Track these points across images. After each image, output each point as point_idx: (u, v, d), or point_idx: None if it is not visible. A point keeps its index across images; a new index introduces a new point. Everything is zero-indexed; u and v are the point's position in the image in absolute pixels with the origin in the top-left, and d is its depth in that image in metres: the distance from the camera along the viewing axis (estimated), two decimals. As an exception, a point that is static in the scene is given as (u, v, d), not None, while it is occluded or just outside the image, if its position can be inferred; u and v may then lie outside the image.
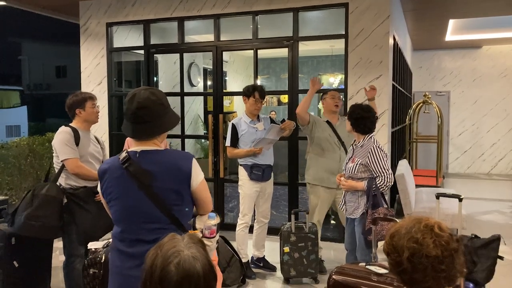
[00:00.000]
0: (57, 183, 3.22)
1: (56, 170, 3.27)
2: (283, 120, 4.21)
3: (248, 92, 4.10)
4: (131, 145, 4.49)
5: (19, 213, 3.13)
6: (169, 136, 5.82)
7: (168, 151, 2.03)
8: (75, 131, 3.23)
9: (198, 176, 1.93)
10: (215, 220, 1.97)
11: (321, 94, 4.43)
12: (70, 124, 3.31)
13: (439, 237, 1.38)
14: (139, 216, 1.88)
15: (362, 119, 3.38)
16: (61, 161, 3.18)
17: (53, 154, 3.28)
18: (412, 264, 1.38)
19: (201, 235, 1.93)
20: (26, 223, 3.07)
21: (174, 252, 1.20)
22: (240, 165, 4.16)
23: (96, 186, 3.30)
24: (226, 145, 4.24)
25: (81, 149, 3.24)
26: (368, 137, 3.41)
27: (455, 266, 1.38)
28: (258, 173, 4.06)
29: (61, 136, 3.20)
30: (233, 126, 4.13)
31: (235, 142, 4.12)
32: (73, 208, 3.21)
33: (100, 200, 3.29)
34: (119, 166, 1.90)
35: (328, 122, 4.16)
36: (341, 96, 4.26)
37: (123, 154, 1.92)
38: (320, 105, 10.84)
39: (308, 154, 4.30)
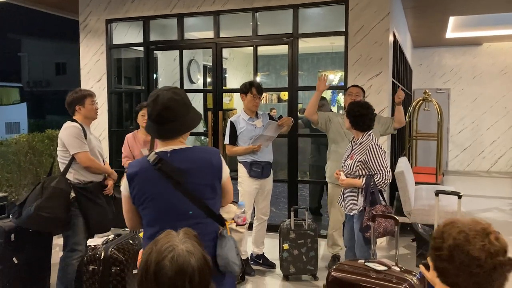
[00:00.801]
0: (65, 177, 3.27)
1: (61, 165, 3.31)
2: (281, 117, 4.19)
3: (246, 89, 4.09)
4: (132, 144, 4.49)
5: (28, 205, 3.17)
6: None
7: (196, 148, 2.08)
8: (81, 126, 3.31)
9: (226, 170, 2.02)
10: (244, 207, 2.14)
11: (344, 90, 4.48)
12: (75, 119, 3.36)
13: (490, 244, 1.35)
14: (177, 214, 1.91)
15: (361, 116, 3.37)
16: (72, 154, 3.24)
17: (59, 149, 3.32)
18: (451, 254, 1.37)
19: (235, 224, 2.04)
20: (36, 214, 3.10)
21: (168, 247, 1.21)
22: (240, 162, 4.15)
23: (103, 180, 3.42)
24: (224, 143, 4.23)
25: (88, 144, 3.32)
26: (367, 135, 3.41)
27: (492, 279, 1.34)
28: (258, 170, 4.06)
29: (71, 130, 3.26)
30: (232, 124, 4.11)
31: (233, 139, 4.11)
32: (83, 202, 3.27)
33: (108, 194, 3.39)
34: (150, 168, 1.91)
35: None
36: (360, 92, 4.17)
37: (153, 155, 1.93)
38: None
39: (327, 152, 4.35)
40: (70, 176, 3.28)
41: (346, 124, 3.50)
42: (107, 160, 3.77)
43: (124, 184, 1.98)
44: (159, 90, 1.97)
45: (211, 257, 1.94)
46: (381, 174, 3.29)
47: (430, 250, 1.45)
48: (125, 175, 4.43)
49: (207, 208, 1.94)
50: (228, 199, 2.09)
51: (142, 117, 4.21)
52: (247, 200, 4.13)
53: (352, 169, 3.38)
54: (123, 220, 4.28)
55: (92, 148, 3.36)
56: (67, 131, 3.26)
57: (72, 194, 3.24)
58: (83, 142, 3.26)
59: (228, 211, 2.06)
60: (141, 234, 3.02)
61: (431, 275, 1.72)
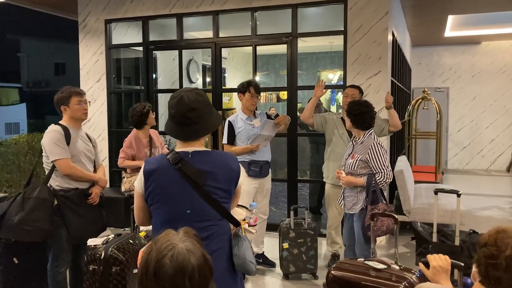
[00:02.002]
0: (48, 185, 3.12)
1: (46, 171, 3.16)
2: (277, 115, 4.19)
3: (243, 88, 4.08)
4: (139, 145, 4.46)
5: (9, 218, 3.01)
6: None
7: (216, 152, 2.09)
8: (65, 130, 3.12)
9: (242, 176, 2.06)
10: (256, 208, 2.22)
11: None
12: (60, 122, 3.19)
13: None
14: (192, 215, 1.90)
15: (362, 114, 3.37)
16: (52, 161, 3.07)
17: (43, 154, 3.16)
18: (508, 265, 1.38)
19: (247, 225, 2.08)
20: (19, 228, 2.96)
21: (168, 245, 1.22)
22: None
23: (88, 188, 3.25)
24: (223, 142, 4.23)
25: (72, 149, 3.13)
26: (368, 134, 3.41)
27: None
28: (256, 170, 4.06)
29: (51, 135, 3.08)
30: (230, 124, 4.10)
31: (232, 139, 4.10)
32: (64, 211, 3.11)
33: (92, 203, 3.23)
34: (169, 167, 1.90)
35: (342, 119, 4.12)
36: (356, 92, 4.12)
37: (173, 155, 1.92)
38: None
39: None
40: (53, 183, 3.12)
41: (347, 123, 3.50)
42: (106, 162, 3.67)
43: (138, 180, 1.96)
44: (181, 91, 1.95)
45: (227, 257, 1.95)
46: (383, 173, 3.30)
47: (478, 256, 1.45)
48: (129, 181, 4.38)
49: (224, 210, 1.95)
50: (236, 202, 2.13)
51: (153, 117, 4.32)
52: (246, 200, 4.12)
53: (354, 168, 3.39)
54: (121, 220, 4.25)
55: (76, 153, 3.16)
56: (47, 136, 3.09)
57: (55, 202, 3.09)
58: (63, 148, 3.07)
59: (236, 214, 2.09)
60: (141, 234, 3.03)
61: (431, 273, 1.73)
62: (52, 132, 3.10)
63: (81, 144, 3.23)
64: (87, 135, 3.37)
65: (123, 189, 4.25)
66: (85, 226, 3.18)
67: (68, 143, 3.10)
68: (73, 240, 3.16)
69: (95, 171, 3.37)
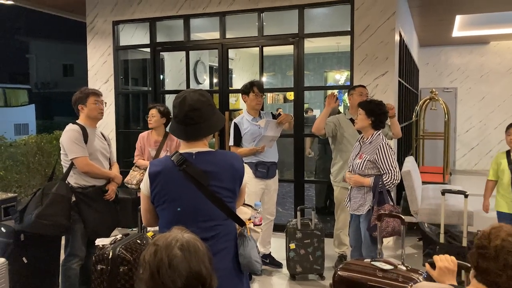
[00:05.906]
0: (66, 182, 3.23)
1: (64, 168, 3.28)
2: (279, 114, 4.17)
3: (247, 89, 4.07)
4: (144, 143, 4.48)
5: (29, 212, 3.14)
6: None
7: (219, 152, 2.12)
8: (83, 129, 3.24)
9: (246, 175, 2.07)
10: (260, 208, 2.26)
11: (348, 90, 4.40)
12: (77, 121, 3.30)
13: None
14: (197, 216, 1.92)
15: (384, 115, 3.43)
16: (70, 159, 3.19)
17: (61, 152, 3.28)
18: (496, 254, 1.42)
19: (252, 224, 2.09)
20: (37, 222, 3.08)
21: (173, 239, 1.24)
22: (245, 162, 4.15)
23: (105, 185, 3.37)
24: (229, 144, 4.23)
25: (90, 147, 3.25)
26: (377, 134, 3.40)
27: None
28: (263, 171, 4.06)
29: (69, 134, 3.19)
30: (236, 125, 4.10)
31: (238, 141, 4.10)
32: (82, 207, 3.23)
33: (108, 199, 3.34)
34: (174, 168, 1.92)
35: (352, 120, 4.07)
36: (368, 92, 4.19)
37: (177, 156, 1.94)
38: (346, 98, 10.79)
39: (333, 153, 4.31)
40: (71, 180, 3.23)
41: (360, 123, 3.44)
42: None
43: (144, 182, 1.98)
44: (185, 91, 1.99)
45: (232, 256, 1.96)
46: (390, 174, 3.29)
47: (474, 249, 1.49)
48: (130, 174, 4.43)
49: (229, 210, 1.96)
50: (241, 202, 2.14)
51: (149, 119, 4.32)
52: (253, 200, 4.13)
53: (361, 169, 3.37)
54: (129, 220, 4.27)
55: (93, 151, 3.27)
56: (66, 135, 3.20)
57: (73, 198, 3.21)
58: (82, 146, 3.18)
59: (241, 213, 2.10)
60: (149, 234, 3.04)
61: (437, 274, 1.73)
62: (71, 131, 3.21)
63: (97, 142, 3.34)
64: (101, 133, 3.49)
65: (124, 180, 4.29)
66: (101, 221, 3.30)
67: (85, 141, 3.22)
68: (90, 235, 3.24)
69: (110, 168, 3.48)
